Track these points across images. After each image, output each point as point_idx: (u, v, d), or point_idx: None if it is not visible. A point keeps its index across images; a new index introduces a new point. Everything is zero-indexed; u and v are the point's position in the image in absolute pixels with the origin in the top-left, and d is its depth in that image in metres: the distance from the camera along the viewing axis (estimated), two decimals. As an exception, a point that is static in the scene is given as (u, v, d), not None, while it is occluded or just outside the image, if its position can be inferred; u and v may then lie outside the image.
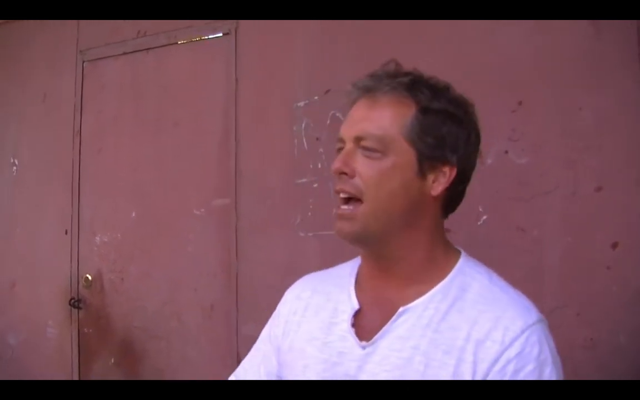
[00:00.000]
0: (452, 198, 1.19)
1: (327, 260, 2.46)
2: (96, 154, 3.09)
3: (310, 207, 2.52)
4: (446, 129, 1.13)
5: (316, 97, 2.53)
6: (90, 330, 3.10)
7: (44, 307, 3.27)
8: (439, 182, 1.14)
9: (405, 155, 1.12)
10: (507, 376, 1.06)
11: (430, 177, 1.13)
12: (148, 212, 2.93)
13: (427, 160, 1.13)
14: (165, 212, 2.88)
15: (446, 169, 1.13)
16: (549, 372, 1.10)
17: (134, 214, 2.96)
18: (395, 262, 1.18)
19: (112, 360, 3.03)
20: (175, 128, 2.85)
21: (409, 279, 1.17)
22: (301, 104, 2.55)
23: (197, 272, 2.80)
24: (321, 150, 2.50)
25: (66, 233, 3.17)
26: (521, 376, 1.06)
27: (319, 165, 2.50)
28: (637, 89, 2.06)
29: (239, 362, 2.60)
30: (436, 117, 1.13)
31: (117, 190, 3.03)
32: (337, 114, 2.47)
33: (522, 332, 1.08)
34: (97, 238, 3.08)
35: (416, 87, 1.14)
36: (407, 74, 1.16)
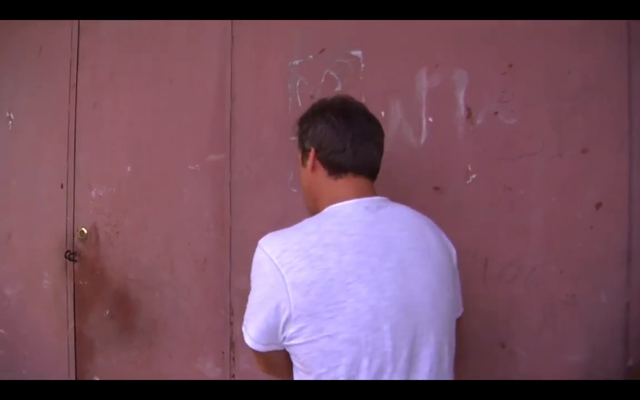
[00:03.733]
0: (328, 161, 1.71)
1: (319, 215, 2.52)
2: (92, 108, 3.11)
3: (303, 164, 2.55)
4: (302, 131, 1.80)
5: (311, 56, 2.56)
6: (86, 283, 3.15)
7: (40, 259, 3.31)
8: (310, 161, 1.75)
9: (298, 158, 1.84)
10: None
11: (308, 163, 1.76)
12: (143, 166, 2.96)
13: (303, 155, 1.80)
14: (160, 167, 2.91)
15: (309, 152, 1.75)
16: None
17: (129, 169, 2.99)
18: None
19: (107, 312, 3.08)
20: (171, 84, 2.87)
21: None
22: (296, 62, 2.58)
23: (191, 226, 2.85)
24: (315, 108, 2.54)
25: (62, 187, 3.20)
26: None
27: (313, 123, 2.53)
28: (624, 53, 2.11)
29: (231, 313, 2.70)
30: (299, 130, 1.82)
31: (112, 144, 3.05)
32: (332, 74, 2.50)
33: None
34: (93, 192, 3.11)
35: (297, 122, 1.85)
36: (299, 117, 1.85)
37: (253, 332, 1.60)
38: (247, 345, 1.65)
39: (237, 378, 2.76)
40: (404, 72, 2.37)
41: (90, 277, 3.13)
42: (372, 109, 2.33)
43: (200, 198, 2.82)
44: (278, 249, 1.54)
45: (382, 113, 2.38)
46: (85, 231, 3.13)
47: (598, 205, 2.14)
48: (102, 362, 3.12)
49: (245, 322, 1.65)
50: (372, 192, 1.72)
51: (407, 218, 1.69)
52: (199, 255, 2.83)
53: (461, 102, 2.29)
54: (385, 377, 1.50)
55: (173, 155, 2.87)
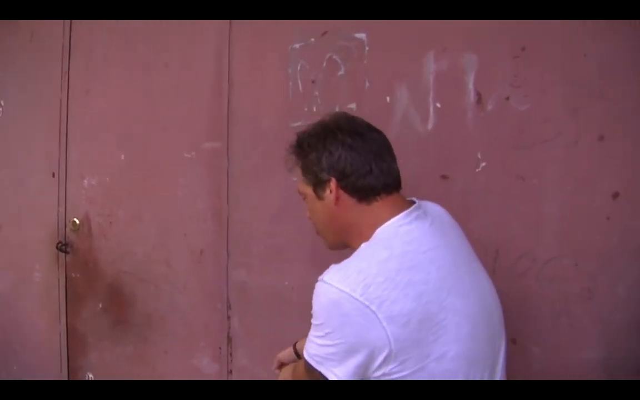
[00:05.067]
0: (356, 188, 1.58)
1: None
2: (84, 95, 3.02)
3: (304, 151, 2.46)
4: (310, 162, 1.61)
5: (312, 39, 2.45)
6: (78, 275, 3.06)
7: (31, 251, 3.24)
8: (332, 193, 1.59)
9: (308, 193, 1.66)
10: None
11: (327, 194, 1.60)
12: (137, 155, 2.86)
13: (317, 187, 1.62)
14: (155, 155, 2.82)
15: (329, 183, 1.58)
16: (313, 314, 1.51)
17: (123, 157, 2.90)
18: (354, 247, 1.59)
19: (100, 305, 3.00)
20: (166, 69, 2.77)
21: None
22: (297, 45, 2.48)
23: (187, 216, 2.76)
24: (317, 93, 2.44)
25: (53, 176, 3.12)
26: None
27: (314, 109, 2.43)
28: (643, 38, 2.01)
29: (228, 307, 2.61)
30: (304, 160, 1.64)
31: (105, 132, 2.96)
32: (334, 57, 2.40)
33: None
34: (85, 181, 3.02)
35: (295, 146, 1.67)
36: (295, 138, 1.69)
37: (337, 367, 1.45)
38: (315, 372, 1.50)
39: (234, 374, 2.68)
40: (410, 55, 2.27)
41: (82, 270, 3.05)
42: (377, 94, 2.25)
43: (196, 187, 2.73)
44: (360, 285, 1.41)
45: (387, 98, 2.28)
46: (77, 222, 3.05)
47: (615, 195, 2.04)
48: (95, 357, 3.04)
49: (314, 354, 1.50)
50: (408, 202, 1.64)
51: (441, 213, 1.71)
52: (195, 246, 2.74)
53: (470, 86, 2.19)
54: None
55: (168, 142, 2.78)
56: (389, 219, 1.56)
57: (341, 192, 1.58)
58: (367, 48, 2.35)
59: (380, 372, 1.41)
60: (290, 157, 1.69)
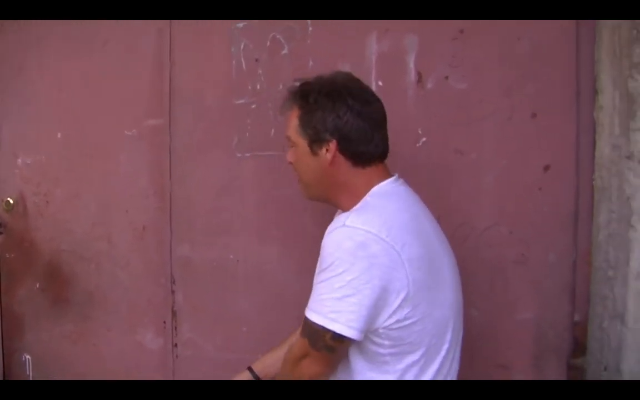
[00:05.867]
0: (356, 154, 1.63)
1: (264, 180, 2.52)
2: (17, 72, 2.95)
3: (248, 127, 2.52)
4: (314, 118, 1.63)
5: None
6: (13, 255, 3.00)
7: (-39, 232, 3.14)
8: (329, 152, 1.62)
9: (300, 145, 1.67)
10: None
11: (322, 152, 1.63)
12: (75, 133, 2.81)
13: (314, 143, 1.64)
14: (94, 133, 2.78)
15: (329, 143, 1.62)
16: (321, 256, 1.55)
17: (59, 135, 2.85)
18: (339, 205, 1.73)
19: (38, 285, 2.95)
20: (105, 46, 2.74)
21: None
22: (240, 25, 2.51)
23: (128, 193, 2.75)
24: (260, 71, 2.49)
25: (-16, 155, 3.05)
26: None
27: (258, 86, 2.49)
28: (572, 22, 2.17)
29: (173, 282, 2.64)
30: (309, 113, 1.64)
31: (40, 111, 2.89)
32: (278, 36, 2.46)
33: (328, 232, 1.56)
34: (19, 160, 2.95)
35: (299, 95, 1.68)
36: (299, 86, 1.71)
37: (355, 319, 1.47)
38: (327, 334, 1.51)
39: (179, 348, 2.71)
40: (353, 36, 2.36)
41: (18, 250, 2.98)
42: (320, 72, 2.30)
43: (137, 164, 2.73)
44: (384, 227, 1.49)
45: (331, 76, 2.36)
46: (11, 201, 2.98)
47: (546, 168, 2.21)
48: (32, 338, 2.99)
49: (328, 311, 1.50)
50: (389, 171, 1.74)
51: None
52: (138, 223, 2.75)
53: (411, 66, 2.31)
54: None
55: (108, 120, 2.75)
56: (380, 182, 1.65)
57: (338, 154, 1.63)
58: (310, 28, 2.42)
59: (394, 319, 1.49)
60: (289, 103, 1.71)
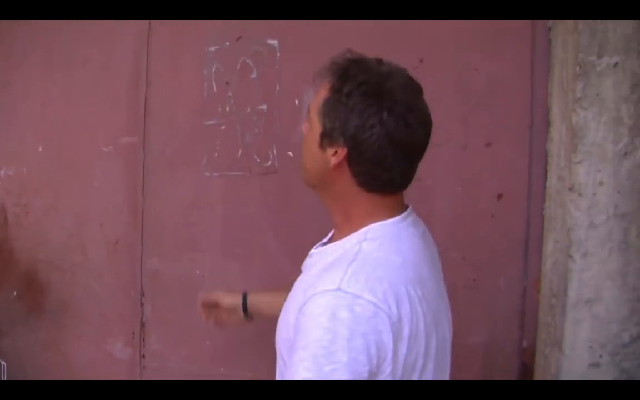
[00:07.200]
0: (363, 174, 1.34)
1: (231, 199, 2.60)
2: (3, 88, 3.05)
3: (217, 148, 2.60)
4: (340, 114, 1.30)
5: (227, 43, 2.59)
6: (-9, 263, 3.10)
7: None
8: (336, 158, 1.33)
9: (314, 128, 1.36)
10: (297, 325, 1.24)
11: (329, 152, 1.33)
12: (55, 147, 2.91)
13: (326, 137, 1.33)
14: (73, 148, 2.88)
15: (339, 148, 1.32)
16: (305, 321, 1.21)
17: (40, 149, 2.95)
18: (329, 211, 1.45)
19: (15, 293, 3.04)
20: (86, 66, 2.84)
21: (336, 228, 1.46)
22: (212, 48, 2.60)
23: (103, 207, 2.84)
24: (230, 94, 2.58)
25: (-33, 166, 3.13)
26: (297, 325, 1.24)
27: (227, 108, 2.58)
28: (528, 56, 2.25)
29: (142, 294, 2.71)
30: (335, 102, 1.31)
31: (24, 125, 2.99)
32: (247, 61, 2.55)
33: (316, 293, 1.21)
34: (2, 172, 3.05)
35: (337, 75, 1.33)
36: (345, 63, 1.35)
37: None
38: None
39: (146, 358, 2.78)
40: (319, 61, 2.41)
41: (-3, 258, 3.08)
42: (287, 96, 2.40)
43: (113, 180, 2.81)
44: (390, 297, 1.22)
45: (296, 101, 2.45)
46: (-7, 211, 3.08)
47: (499, 196, 2.28)
48: (7, 344, 3.07)
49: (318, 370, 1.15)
50: (404, 205, 1.49)
51: (426, 229, 1.58)
52: (111, 236, 2.83)
53: (373, 93, 2.37)
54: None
55: (86, 136, 2.85)
56: (384, 218, 1.38)
57: (345, 164, 1.34)
58: (278, 54, 2.50)
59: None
60: (326, 75, 1.36)
